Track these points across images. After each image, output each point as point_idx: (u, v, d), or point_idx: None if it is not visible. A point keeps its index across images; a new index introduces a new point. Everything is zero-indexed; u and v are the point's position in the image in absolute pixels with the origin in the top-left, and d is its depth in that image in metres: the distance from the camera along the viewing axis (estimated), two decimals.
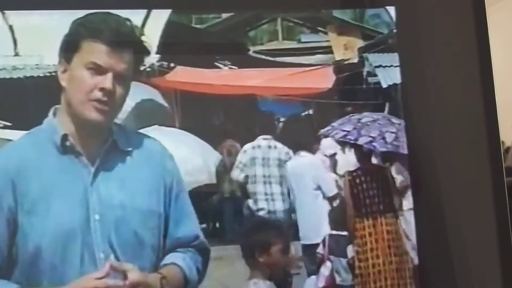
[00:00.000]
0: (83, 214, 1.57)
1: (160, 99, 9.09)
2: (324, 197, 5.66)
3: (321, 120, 6.28)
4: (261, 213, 5.80)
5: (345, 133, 5.55)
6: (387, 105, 9.99)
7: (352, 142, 5.40)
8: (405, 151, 5.17)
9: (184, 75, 10.72)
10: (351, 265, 4.85)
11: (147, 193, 1.61)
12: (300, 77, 10.47)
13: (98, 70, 1.52)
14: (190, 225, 1.71)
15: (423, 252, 1.60)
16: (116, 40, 1.53)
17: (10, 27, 9.40)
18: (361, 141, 5.43)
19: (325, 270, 4.80)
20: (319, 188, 5.66)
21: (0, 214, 1.57)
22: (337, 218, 4.95)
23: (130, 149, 1.63)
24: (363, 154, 5.27)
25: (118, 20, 1.56)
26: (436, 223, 1.49)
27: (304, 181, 5.89)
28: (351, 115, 5.83)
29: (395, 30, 2.05)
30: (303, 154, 6.00)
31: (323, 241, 4.95)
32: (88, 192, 1.59)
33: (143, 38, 1.66)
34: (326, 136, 5.86)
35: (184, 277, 1.64)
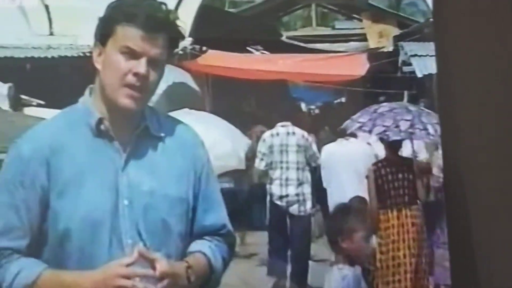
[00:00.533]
0: (113, 199, 1.49)
1: (192, 83, 9.08)
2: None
3: (354, 108, 6.09)
4: (274, 198, 5.63)
5: (360, 124, 5.39)
6: (405, 93, 9.61)
7: (366, 133, 5.26)
8: (420, 139, 5.03)
9: (216, 59, 10.69)
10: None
11: (176, 180, 1.55)
12: (333, 64, 10.29)
13: (132, 54, 1.49)
14: (218, 214, 1.62)
15: (453, 248, 1.55)
16: (151, 24, 1.50)
17: (46, 7, 9.46)
18: (375, 131, 5.28)
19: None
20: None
21: (33, 193, 1.49)
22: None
23: (162, 134, 1.57)
24: (390, 145, 5.17)
25: (153, 5, 1.53)
26: (467, 218, 1.45)
27: (349, 169, 5.56)
28: (371, 106, 5.57)
29: (431, 19, 1.98)
30: (352, 140, 5.66)
31: None
32: (118, 177, 1.51)
33: (177, 22, 1.62)
34: (346, 130, 5.65)
35: (210, 266, 1.56)
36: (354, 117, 5.22)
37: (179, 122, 1.65)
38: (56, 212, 1.48)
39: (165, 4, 1.54)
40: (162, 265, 1.43)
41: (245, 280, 5.47)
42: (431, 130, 4.80)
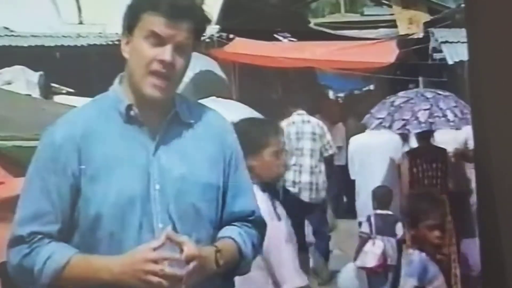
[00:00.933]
0: (144, 184, 1.51)
1: (218, 71, 9.10)
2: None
3: (382, 96, 5.99)
4: (287, 184, 5.58)
5: (380, 120, 5.31)
6: (420, 80, 9.38)
7: (386, 129, 5.16)
8: (441, 127, 4.90)
9: (243, 47, 10.67)
10: (400, 244, 4.73)
11: (207, 166, 1.56)
12: (362, 51, 10.17)
13: (157, 40, 1.49)
14: (247, 200, 1.63)
15: (484, 239, 1.53)
16: (175, 11, 1.50)
17: None
18: (395, 126, 5.18)
19: (376, 248, 4.67)
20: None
21: (65, 179, 1.52)
22: (383, 197, 4.80)
23: (192, 121, 1.58)
24: (420, 135, 5.10)
25: None
26: (500, 208, 1.42)
27: (380, 159, 5.55)
28: (387, 97, 5.45)
29: (463, 5, 1.93)
30: (383, 131, 5.64)
31: (368, 220, 4.80)
32: (150, 162, 1.52)
33: (203, 7, 1.62)
34: (367, 127, 5.56)
35: (239, 252, 1.57)
36: (372, 111, 5.15)
37: (209, 109, 1.65)
38: (87, 197, 1.50)
39: None
40: (189, 248, 1.44)
41: None
42: (450, 116, 4.75)
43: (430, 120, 4.77)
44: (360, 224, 4.94)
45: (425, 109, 4.82)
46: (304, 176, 5.58)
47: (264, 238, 1.67)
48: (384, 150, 5.48)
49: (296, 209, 5.56)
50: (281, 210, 2.39)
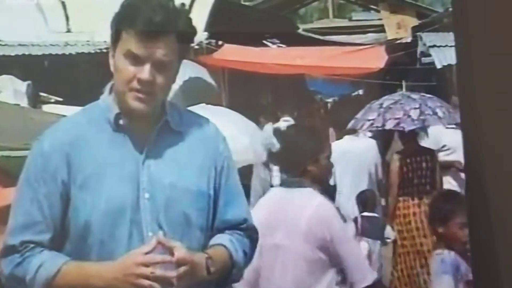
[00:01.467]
0: (134, 192, 1.50)
1: (208, 77, 9.08)
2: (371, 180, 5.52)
3: (372, 101, 6.08)
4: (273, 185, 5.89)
5: (371, 122, 5.41)
6: (403, 84, 9.60)
7: (380, 129, 5.24)
8: (433, 124, 5.04)
9: (232, 53, 10.67)
10: (394, 246, 4.77)
11: (197, 174, 1.56)
12: (351, 57, 10.24)
13: (135, 59, 1.48)
14: (239, 208, 1.62)
15: (474, 239, 1.53)
16: (153, 26, 1.46)
17: (63, 4, 9.51)
18: (388, 125, 5.27)
19: (362, 250, 4.71)
20: (375, 170, 5.41)
21: (55, 188, 1.51)
22: (369, 200, 4.87)
23: (183, 129, 1.57)
24: (406, 136, 5.16)
25: (160, 3, 1.49)
26: (488, 211, 1.42)
27: (359, 164, 5.72)
28: (372, 102, 5.61)
29: (450, 9, 1.94)
30: (360, 135, 5.82)
31: (355, 222, 4.86)
32: (139, 170, 1.51)
33: (189, 15, 1.59)
34: (354, 131, 5.67)
35: (231, 259, 1.56)
36: (358, 116, 5.25)
37: (200, 117, 1.64)
38: (77, 205, 1.49)
39: (172, 0, 1.51)
40: (180, 252, 1.43)
41: None
42: (440, 113, 4.89)
43: (422, 117, 4.89)
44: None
45: (415, 108, 4.94)
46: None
47: (256, 246, 1.66)
48: (363, 155, 5.62)
49: None
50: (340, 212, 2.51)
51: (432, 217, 2.88)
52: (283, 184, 2.52)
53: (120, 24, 1.50)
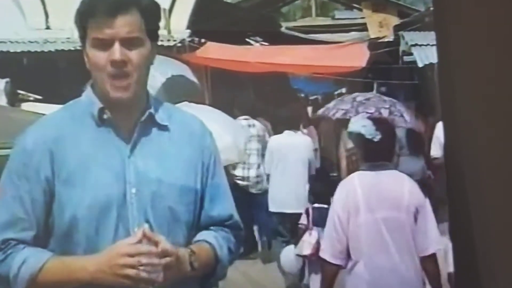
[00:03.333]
0: (120, 187, 1.48)
1: (190, 75, 9.02)
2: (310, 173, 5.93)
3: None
4: (236, 178, 6.24)
5: (344, 111, 5.72)
6: (375, 84, 10.01)
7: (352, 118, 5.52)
8: (400, 125, 5.43)
9: (215, 51, 10.61)
10: None
11: (184, 170, 1.54)
12: (334, 54, 10.27)
13: (103, 45, 1.47)
14: (225, 204, 1.61)
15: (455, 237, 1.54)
16: (110, 7, 1.46)
17: (42, 1, 9.38)
18: None
19: (311, 239, 4.87)
20: (309, 164, 6.00)
21: (38, 184, 1.49)
22: (321, 192, 5.06)
23: (168, 124, 1.56)
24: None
25: None
26: (468, 212, 1.42)
27: (295, 157, 6.07)
28: (343, 96, 6.19)
29: (432, 8, 1.94)
30: (298, 132, 6.38)
31: (306, 212, 5.02)
32: (125, 165, 1.50)
33: None
34: (324, 117, 6.09)
35: (215, 256, 1.56)
36: (330, 105, 5.75)
37: (186, 112, 1.64)
38: (61, 201, 1.47)
39: None
40: (164, 244, 1.42)
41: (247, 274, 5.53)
42: (407, 117, 5.39)
43: (391, 117, 5.27)
44: (300, 215, 5.26)
45: (385, 108, 5.39)
46: (251, 171, 6.43)
47: (241, 243, 1.65)
48: (298, 149, 6.10)
49: (244, 199, 6.09)
50: None
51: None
52: (369, 168, 2.95)
53: (82, 19, 1.49)
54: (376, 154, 2.92)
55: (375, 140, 2.88)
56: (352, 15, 14.19)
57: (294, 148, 6.01)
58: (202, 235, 1.56)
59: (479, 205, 1.38)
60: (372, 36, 10.63)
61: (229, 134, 6.22)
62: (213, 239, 1.56)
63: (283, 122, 6.24)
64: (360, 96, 5.75)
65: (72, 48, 7.50)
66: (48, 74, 7.15)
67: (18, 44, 7.71)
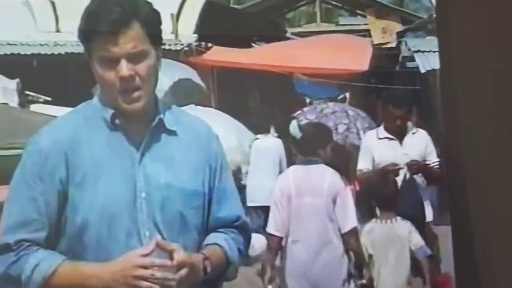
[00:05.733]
0: (130, 191, 1.50)
1: (197, 79, 9.13)
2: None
3: (357, 104, 6.48)
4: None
5: (308, 120, 6.04)
6: (347, 95, 10.36)
7: None
8: (352, 142, 5.87)
9: (221, 55, 10.76)
10: None
11: (192, 174, 1.56)
12: (337, 60, 10.39)
13: (109, 62, 1.47)
14: (233, 206, 1.64)
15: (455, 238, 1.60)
16: (111, 25, 1.46)
17: (52, 4, 9.52)
18: None
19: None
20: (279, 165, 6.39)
21: (52, 186, 1.50)
22: None
23: (177, 128, 1.57)
24: None
25: (116, 2, 1.49)
26: (469, 215, 1.48)
27: (269, 158, 6.41)
28: (318, 104, 6.78)
29: (434, 15, 2.01)
30: (270, 136, 6.72)
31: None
32: (135, 170, 1.52)
33: (148, 1, 1.59)
34: (295, 118, 6.52)
35: (226, 258, 1.58)
36: (305, 109, 6.18)
37: (193, 116, 1.66)
38: (74, 204, 1.49)
39: None
40: (179, 255, 1.45)
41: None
42: (361, 135, 5.80)
43: (346, 133, 5.69)
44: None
45: (344, 123, 5.82)
46: None
47: (250, 243, 1.68)
48: (270, 150, 6.61)
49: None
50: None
51: None
52: (302, 162, 3.50)
53: (85, 37, 1.51)
54: (300, 150, 3.55)
55: (297, 138, 3.53)
56: (356, 21, 14.23)
57: (267, 148, 6.61)
58: (212, 238, 1.59)
59: (480, 209, 1.43)
60: (376, 42, 10.70)
61: (234, 137, 6.32)
62: (223, 242, 1.58)
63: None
64: (328, 108, 6.37)
65: (82, 51, 7.56)
66: (57, 77, 7.22)
67: (29, 46, 7.78)
